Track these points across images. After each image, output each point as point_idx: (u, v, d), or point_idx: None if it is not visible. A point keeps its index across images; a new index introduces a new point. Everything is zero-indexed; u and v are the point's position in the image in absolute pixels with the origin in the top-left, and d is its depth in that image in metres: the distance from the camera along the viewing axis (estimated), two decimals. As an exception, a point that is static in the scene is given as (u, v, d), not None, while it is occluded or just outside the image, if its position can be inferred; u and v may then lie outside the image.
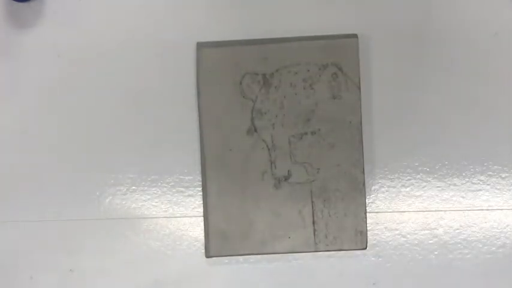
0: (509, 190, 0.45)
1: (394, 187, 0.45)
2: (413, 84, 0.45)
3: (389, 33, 0.45)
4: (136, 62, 0.45)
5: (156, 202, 0.45)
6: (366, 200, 0.44)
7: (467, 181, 0.45)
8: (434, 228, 0.45)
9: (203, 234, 0.45)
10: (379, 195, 0.45)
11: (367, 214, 0.44)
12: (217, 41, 0.45)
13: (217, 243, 0.44)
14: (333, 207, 0.44)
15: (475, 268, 0.44)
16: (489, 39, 0.45)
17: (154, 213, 0.45)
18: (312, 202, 0.44)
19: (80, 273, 0.45)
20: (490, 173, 0.45)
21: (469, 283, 0.44)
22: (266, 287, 0.45)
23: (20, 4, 0.45)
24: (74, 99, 0.45)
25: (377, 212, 0.45)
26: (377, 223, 0.45)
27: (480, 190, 0.45)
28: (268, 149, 0.44)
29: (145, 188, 0.45)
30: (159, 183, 0.45)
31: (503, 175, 0.45)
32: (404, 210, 0.45)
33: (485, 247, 0.44)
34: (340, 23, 0.45)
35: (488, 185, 0.45)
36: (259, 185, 0.44)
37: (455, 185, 0.45)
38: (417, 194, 0.45)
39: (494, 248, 0.44)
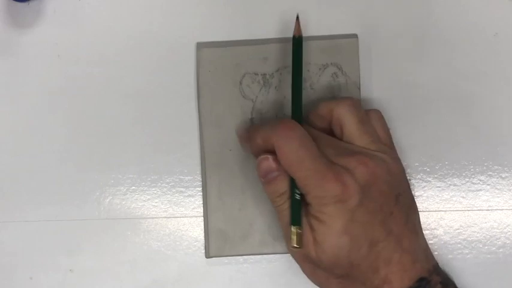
0: (510, 190, 0.45)
1: (394, 187, 0.45)
2: (413, 84, 0.45)
3: (390, 33, 0.45)
4: (136, 62, 0.45)
5: (156, 202, 0.45)
6: (366, 200, 0.44)
7: (467, 181, 0.45)
8: (434, 228, 0.45)
9: (203, 234, 0.45)
10: (379, 195, 0.45)
11: (367, 214, 0.44)
12: (217, 41, 0.45)
13: (217, 243, 0.44)
14: (333, 207, 0.44)
15: (475, 268, 0.44)
16: (489, 40, 0.45)
17: (154, 213, 0.45)
18: (312, 202, 0.44)
19: (80, 273, 0.45)
20: (490, 173, 0.45)
21: (469, 283, 0.44)
22: (266, 287, 0.45)
23: (20, 4, 0.45)
24: (73, 100, 0.45)
25: (377, 212, 0.45)
26: (377, 223, 0.45)
27: (480, 190, 0.45)
28: (268, 149, 0.44)
29: (145, 188, 0.45)
30: (159, 183, 0.45)
31: (503, 175, 0.45)
32: (404, 210, 0.45)
33: (486, 247, 0.44)
34: (340, 23, 0.45)
35: (488, 185, 0.45)
36: (259, 185, 0.44)
37: (455, 185, 0.45)
38: (417, 194, 0.45)
39: (494, 248, 0.44)
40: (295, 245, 0.37)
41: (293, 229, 0.38)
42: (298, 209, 0.38)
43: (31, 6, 0.46)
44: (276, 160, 0.38)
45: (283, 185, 0.39)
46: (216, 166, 0.44)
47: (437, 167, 0.45)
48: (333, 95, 0.44)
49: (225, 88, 0.44)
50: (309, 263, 0.39)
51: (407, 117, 0.45)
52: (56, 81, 0.45)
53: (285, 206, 0.39)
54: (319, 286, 0.40)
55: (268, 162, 0.39)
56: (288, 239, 0.39)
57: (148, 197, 0.45)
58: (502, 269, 0.44)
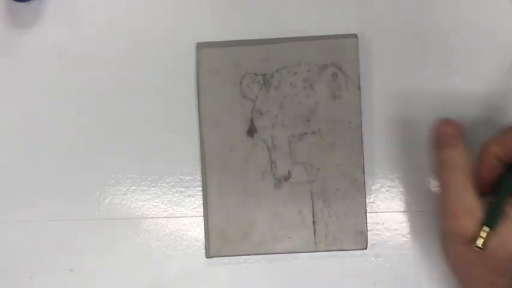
0: (509, 190, 0.45)
1: (394, 187, 0.45)
2: (413, 84, 0.45)
3: (390, 33, 0.45)
4: (136, 62, 0.45)
5: (156, 202, 0.45)
6: (366, 200, 0.44)
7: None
8: (435, 228, 0.45)
9: (203, 234, 0.45)
10: (379, 195, 0.45)
11: (367, 214, 0.44)
12: (217, 41, 0.45)
13: (218, 243, 0.44)
14: (333, 207, 0.44)
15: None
16: (489, 40, 0.45)
17: (154, 213, 0.45)
18: (312, 202, 0.44)
19: (80, 273, 0.45)
20: (490, 173, 0.44)
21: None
22: (266, 287, 0.45)
23: (20, 4, 0.45)
24: (73, 99, 0.45)
25: (377, 212, 0.45)
26: (377, 223, 0.45)
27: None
28: (268, 149, 0.44)
29: (145, 188, 0.45)
30: (159, 183, 0.45)
31: (503, 175, 0.45)
32: (404, 210, 0.45)
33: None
34: (340, 23, 0.45)
35: (488, 185, 0.45)
36: (259, 185, 0.44)
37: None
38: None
39: (494, 248, 0.44)
40: (481, 246, 0.36)
41: (485, 230, 0.36)
42: (498, 210, 0.37)
43: (31, 6, 0.46)
44: (460, 130, 0.39)
45: (461, 154, 0.39)
46: (216, 166, 0.44)
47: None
48: (333, 95, 0.44)
49: (225, 88, 0.44)
50: (476, 258, 0.37)
51: (407, 117, 0.45)
52: (56, 81, 0.45)
53: (455, 179, 0.38)
54: (459, 277, 0.40)
55: (454, 127, 0.40)
56: (444, 213, 0.38)
57: (148, 197, 0.45)
58: (502, 269, 0.44)
